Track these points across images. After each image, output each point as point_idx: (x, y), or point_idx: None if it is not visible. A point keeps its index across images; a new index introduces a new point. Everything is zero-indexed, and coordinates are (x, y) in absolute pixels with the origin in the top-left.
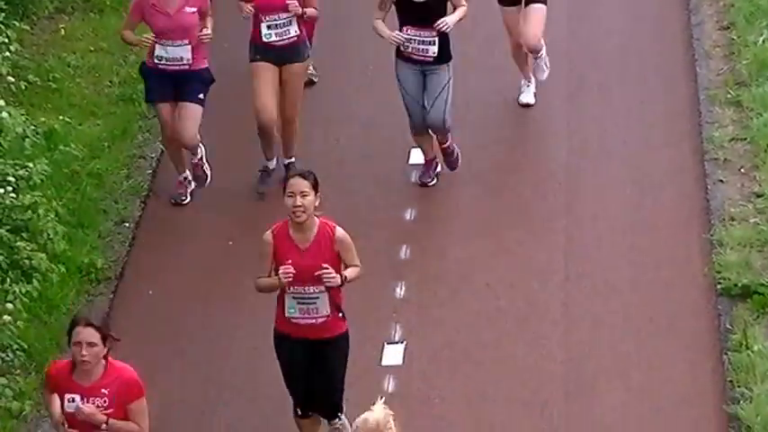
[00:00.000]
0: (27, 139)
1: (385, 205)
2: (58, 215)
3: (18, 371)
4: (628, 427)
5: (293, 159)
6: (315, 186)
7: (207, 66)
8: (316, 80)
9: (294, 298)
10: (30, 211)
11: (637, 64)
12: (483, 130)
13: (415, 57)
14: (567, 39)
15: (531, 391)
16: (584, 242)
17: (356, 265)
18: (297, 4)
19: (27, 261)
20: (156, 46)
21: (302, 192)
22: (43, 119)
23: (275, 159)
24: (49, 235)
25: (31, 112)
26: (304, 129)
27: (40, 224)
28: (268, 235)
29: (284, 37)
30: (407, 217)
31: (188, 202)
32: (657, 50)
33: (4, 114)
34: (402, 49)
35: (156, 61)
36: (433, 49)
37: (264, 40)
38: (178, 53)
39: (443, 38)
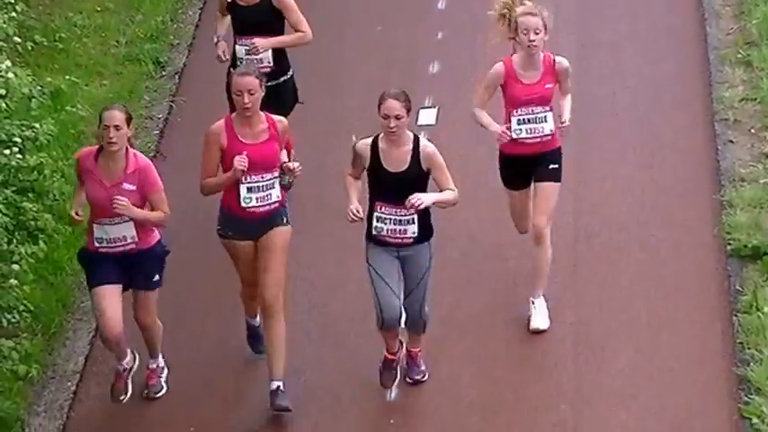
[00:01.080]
0: (33, 100)
1: None
2: (64, 176)
3: (24, 333)
4: (637, 389)
5: (281, 384)
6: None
7: (158, 239)
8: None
9: None
10: (36, 172)
11: (646, 24)
12: None
13: (390, 240)
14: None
15: (541, 352)
16: (594, 203)
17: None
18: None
19: (33, 222)
20: (94, 226)
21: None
22: (49, 79)
23: (258, 317)
24: (55, 196)
25: (37, 73)
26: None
27: (46, 185)
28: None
29: (266, 202)
30: None
31: (163, 394)
32: (667, 10)
33: (11, 75)
34: (374, 232)
35: (97, 245)
36: (413, 229)
37: (243, 205)
38: (120, 232)
39: (423, 212)
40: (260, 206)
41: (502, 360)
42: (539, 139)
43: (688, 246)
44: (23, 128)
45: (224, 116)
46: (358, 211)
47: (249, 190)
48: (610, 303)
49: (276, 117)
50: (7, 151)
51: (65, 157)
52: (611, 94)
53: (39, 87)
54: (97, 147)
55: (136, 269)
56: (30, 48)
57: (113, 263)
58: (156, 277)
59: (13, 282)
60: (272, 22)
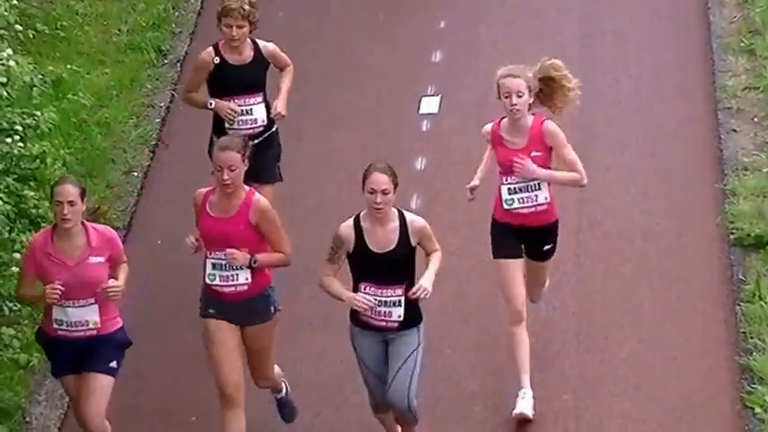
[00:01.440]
0: (35, 88)
1: (397, 155)
2: (65, 164)
3: (26, 321)
4: (639, 378)
5: (284, 393)
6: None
7: (121, 325)
8: None
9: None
10: (37, 161)
11: (649, 12)
12: None
13: (374, 322)
14: None
15: (543, 341)
16: (597, 192)
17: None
18: (238, 253)
19: (34, 210)
20: (54, 307)
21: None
22: (51, 67)
23: None
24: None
25: (38, 61)
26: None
27: (47, 173)
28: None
29: (231, 282)
30: (418, 167)
31: None
32: None
33: (12, 63)
34: (362, 312)
35: (55, 326)
36: (398, 312)
37: (207, 281)
38: (82, 315)
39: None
40: (224, 285)
41: (504, 349)
42: (533, 209)
43: (691, 235)
44: (25, 116)
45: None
46: (364, 299)
47: (213, 266)
48: (612, 293)
49: (256, 197)
50: (9, 139)
51: (66, 146)
52: (613, 83)
53: (40, 76)
54: (51, 228)
55: (92, 352)
56: (31, 36)
57: (70, 350)
58: (114, 363)
59: (15, 270)
60: (263, 77)
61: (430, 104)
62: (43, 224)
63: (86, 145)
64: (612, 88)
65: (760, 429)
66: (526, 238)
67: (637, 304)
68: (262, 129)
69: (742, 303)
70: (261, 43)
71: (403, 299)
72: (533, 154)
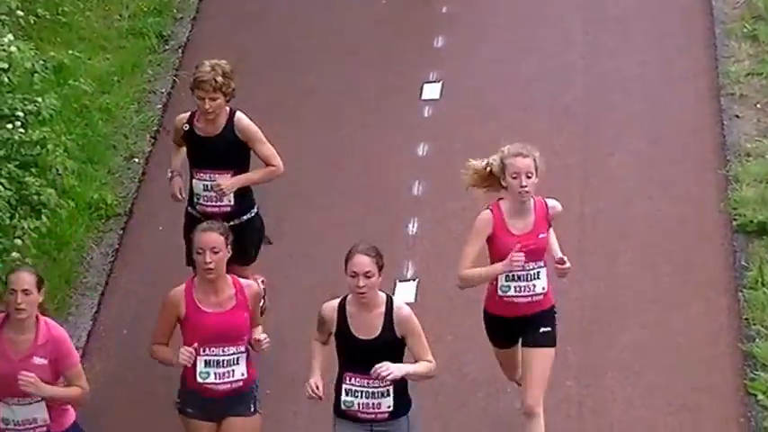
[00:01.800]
0: (36, 74)
1: (399, 141)
2: (67, 150)
3: None
4: (642, 365)
5: None
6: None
7: (74, 420)
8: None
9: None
10: (39, 147)
11: None
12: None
13: (362, 416)
14: None
15: None
16: (600, 178)
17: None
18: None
19: (36, 197)
20: (1, 405)
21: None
22: (53, 53)
23: None
24: (58, 170)
25: (40, 47)
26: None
27: (49, 159)
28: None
29: (227, 379)
30: (420, 153)
31: None
32: None
33: (13, 49)
34: (344, 407)
35: (2, 426)
36: (388, 402)
37: (199, 380)
38: (30, 413)
39: (400, 382)
40: (219, 383)
41: None
42: (529, 299)
43: (694, 221)
44: (26, 102)
45: (186, 281)
46: (318, 388)
47: (207, 364)
48: (615, 279)
49: (244, 281)
50: (10, 125)
51: (67, 132)
52: (616, 69)
53: (42, 61)
54: (2, 316)
55: None
56: (33, 21)
57: None
58: None
59: (15, 255)
60: (234, 155)
61: (432, 90)
62: (44, 211)
63: (88, 131)
64: (615, 74)
65: (763, 416)
66: (521, 325)
67: (640, 291)
68: (229, 210)
69: (745, 290)
70: (237, 116)
71: (391, 388)
72: (541, 236)
